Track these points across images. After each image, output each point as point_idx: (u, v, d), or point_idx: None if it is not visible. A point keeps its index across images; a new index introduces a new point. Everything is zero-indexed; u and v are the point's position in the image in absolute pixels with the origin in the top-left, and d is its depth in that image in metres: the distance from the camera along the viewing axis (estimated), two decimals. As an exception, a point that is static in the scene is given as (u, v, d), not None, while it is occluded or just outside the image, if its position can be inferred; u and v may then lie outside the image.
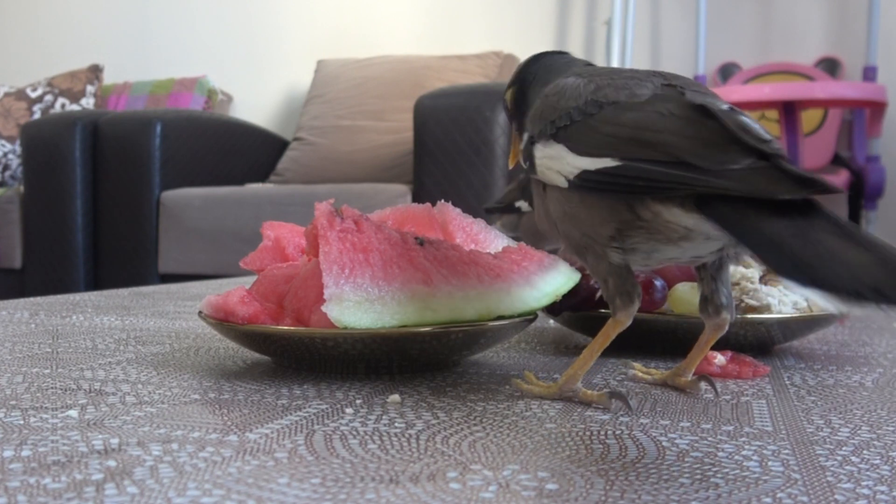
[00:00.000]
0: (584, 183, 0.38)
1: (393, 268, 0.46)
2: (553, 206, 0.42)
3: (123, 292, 1.00)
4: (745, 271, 0.58)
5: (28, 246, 2.11)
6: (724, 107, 0.36)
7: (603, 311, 0.56)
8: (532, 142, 0.43)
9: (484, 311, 0.47)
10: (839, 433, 0.37)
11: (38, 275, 2.09)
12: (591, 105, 0.39)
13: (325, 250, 0.45)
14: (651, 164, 0.35)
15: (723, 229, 0.33)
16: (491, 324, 0.47)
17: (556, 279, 0.51)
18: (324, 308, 0.43)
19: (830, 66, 2.20)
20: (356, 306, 0.44)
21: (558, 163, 0.40)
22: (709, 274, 0.44)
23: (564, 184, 0.40)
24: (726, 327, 0.44)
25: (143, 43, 2.88)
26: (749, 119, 0.36)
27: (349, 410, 0.39)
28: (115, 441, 0.33)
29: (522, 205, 0.94)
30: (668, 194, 0.35)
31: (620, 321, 0.41)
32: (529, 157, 0.43)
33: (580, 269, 0.57)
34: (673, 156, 0.34)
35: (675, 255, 0.40)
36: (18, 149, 2.52)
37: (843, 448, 0.34)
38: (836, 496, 0.28)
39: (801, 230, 0.30)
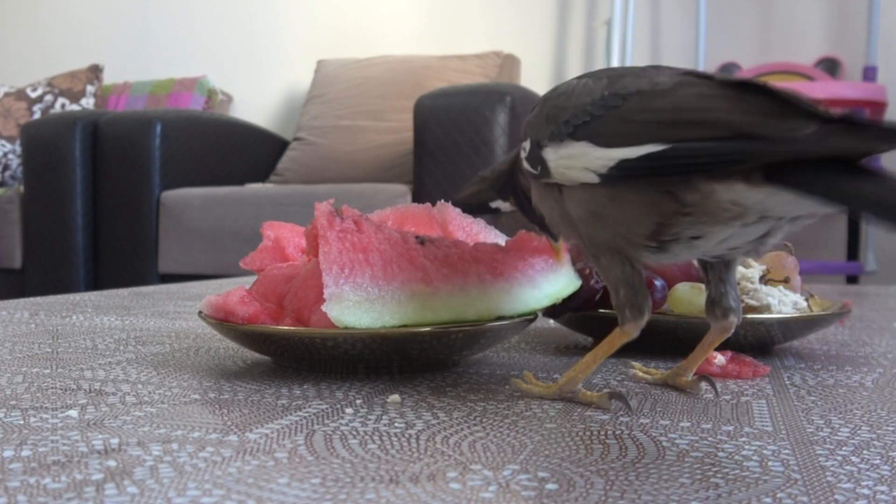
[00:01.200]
0: (625, 173, 0.36)
1: (393, 267, 0.46)
2: (575, 208, 0.40)
3: (123, 292, 1.00)
4: (745, 271, 0.58)
5: (28, 246, 2.11)
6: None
7: (602, 311, 0.56)
8: (538, 147, 0.41)
9: (484, 311, 0.47)
10: (839, 433, 0.37)
11: (38, 275, 2.09)
12: (611, 98, 0.38)
13: (325, 250, 0.45)
14: (710, 141, 0.33)
15: (813, 195, 0.31)
16: (491, 324, 0.47)
17: (559, 280, 0.50)
18: (324, 308, 0.43)
19: (830, 66, 2.20)
20: (356, 306, 0.44)
21: (582, 160, 0.38)
22: (717, 275, 0.43)
23: (595, 179, 0.38)
24: (732, 330, 0.44)
25: (143, 43, 2.88)
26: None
27: (349, 410, 0.39)
28: (115, 441, 0.33)
29: (502, 205, 0.93)
30: (731, 168, 0.33)
31: (627, 332, 0.41)
32: (540, 162, 0.41)
33: (580, 272, 0.56)
34: (731, 129, 0.32)
35: (722, 239, 0.38)
36: (18, 149, 2.52)
37: (843, 448, 0.34)
38: (836, 496, 0.28)
39: (893, 184, 0.29)
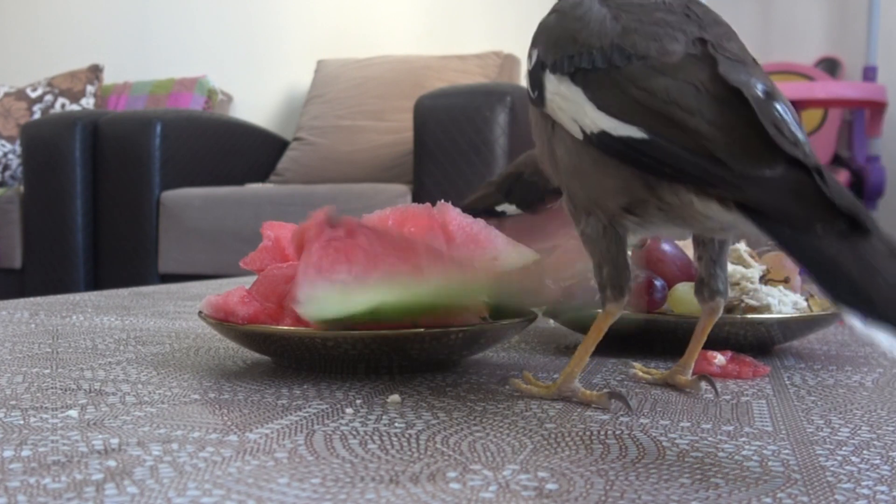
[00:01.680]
0: (604, 146, 0.35)
1: (378, 259, 0.43)
2: (561, 154, 0.39)
3: (123, 292, 1.00)
4: (745, 271, 0.58)
5: (28, 246, 2.11)
6: (760, 88, 0.34)
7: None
8: (542, 67, 0.39)
9: (465, 285, 0.44)
10: (839, 433, 0.37)
11: (38, 275, 2.09)
12: (617, 53, 0.36)
13: (305, 261, 0.43)
14: (682, 149, 0.33)
15: (774, 238, 0.30)
16: (491, 324, 0.47)
17: (516, 252, 0.48)
18: (296, 307, 0.42)
19: (830, 66, 2.20)
20: (328, 298, 0.42)
21: (575, 109, 0.36)
22: (709, 255, 0.43)
23: (579, 135, 0.36)
24: (720, 311, 0.44)
25: (143, 43, 2.88)
26: (784, 108, 0.33)
27: (349, 410, 0.39)
28: (115, 441, 0.33)
29: (508, 208, 0.92)
30: (699, 188, 0.33)
31: (611, 312, 0.40)
32: (538, 85, 0.39)
33: (580, 272, 0.56)
34: (702, 146, 0.32)
35: (689, 233, 0.38)
36: (18, 149, 2.52)
37: (843, 448, 0.34)
38: (836, 496, 0.28)
39: (858, 252, 0.28)
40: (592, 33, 0.37)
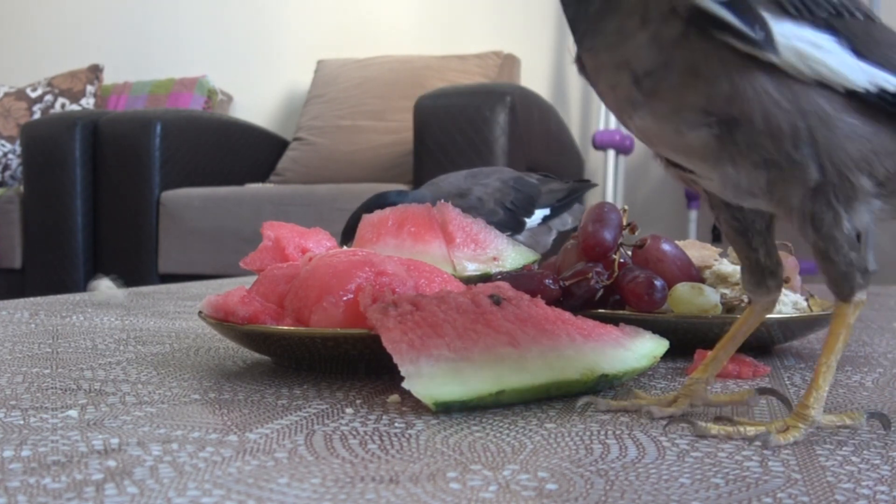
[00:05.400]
0: (888, 106, 0.31)
1: (471, 334, 0.41)
2: (791, 111, 0.32)
3: (123, 292, 1.00)
4: (745, 271, 0.58)
5: (28, 246, 2.11)
6: None
7: (602, 311, 0.56)
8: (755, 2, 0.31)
9: (586, 370, 0.42)
10: (839, 433, 0.37)
11: (38, 275, 2.09)
12: (859, 7, 0.32)
13: (388, 337, 0.40)
14: None
15: None
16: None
17: (647, 343, 0.46)
18: (406, 386, 0.38)
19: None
20: (441, 377, 0.39)
21: (833, 59, 0.31)
22: (762, 240, 0.38)
23: (853, 86, 0.31)
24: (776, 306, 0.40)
25: (143, 43, 2.88)
26: None
27: (349, 410, 0.39)
28: (115, 441, 0.33)
29: (559, 223, 0.90)
30: None
31: (862, 302, 0.34)
32: (762, 26, 0.31)
33: (580, 272, 0.56)
34: None
35: None
36: (18, 149, 2.52)
37: (843, 448, 0.34)
38: (836, 496, 0.28)
39: None
40: None
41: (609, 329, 0.46)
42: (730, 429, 0.35)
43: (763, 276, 0.39)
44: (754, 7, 0.31)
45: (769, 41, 0.31)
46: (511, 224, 0.83)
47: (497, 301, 0.43)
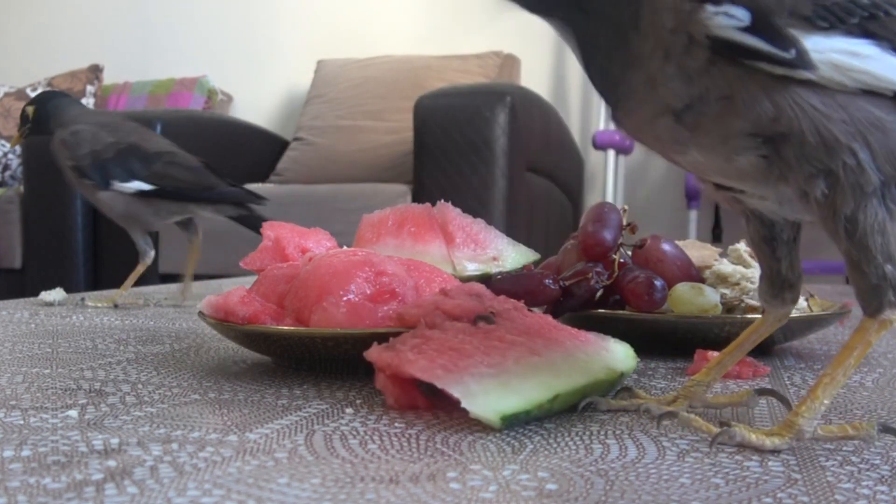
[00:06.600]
0: None
1: (493, 351, 0.40)
2: (837, 124, 0.31)
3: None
4: (745, 271, 0.58)
5: (28, 246, 2.11)
6: None
7: (602, 311, 0.56)
8: (771, 22, 0.31)
9: (608, 370, 0.42)
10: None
11: (38, 275, 2.09)
12: (894, 2, 0.31)
13: (416, 367, 0.39)
14: None
15: None
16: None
17: (618, 345, 0.46)
18: (465, 406, 0.36)
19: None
20: (495, 392, 0.37)
21: (875, 64, 0.31)
22: (787, 251, 0.37)
23: (889, 93, 0.31)
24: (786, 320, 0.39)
25: (143, 43, 2.88)
26: None
27: (349, 410, 0.39)
28: (115, 441, 0.33)
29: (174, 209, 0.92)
30: None
31: (891, 322, 0.32)
32: (793, 44, 0.30)
33: (580, 272, 0.56)
34: None
35: None
36: (18, 149, 2.52)
37: (843, 448, 0.34)
38: (836, 496, 0.28)
39: None
40: None
41: (585, 332, 0.46)
42: (701, 423, 0.35)
43: (782, 287, 0.38)
44: (780, 28, 0.31)
45: (803, 58, 0.30)
46: (98, 176, 0.86)
47: (490, 321, 0.43)
